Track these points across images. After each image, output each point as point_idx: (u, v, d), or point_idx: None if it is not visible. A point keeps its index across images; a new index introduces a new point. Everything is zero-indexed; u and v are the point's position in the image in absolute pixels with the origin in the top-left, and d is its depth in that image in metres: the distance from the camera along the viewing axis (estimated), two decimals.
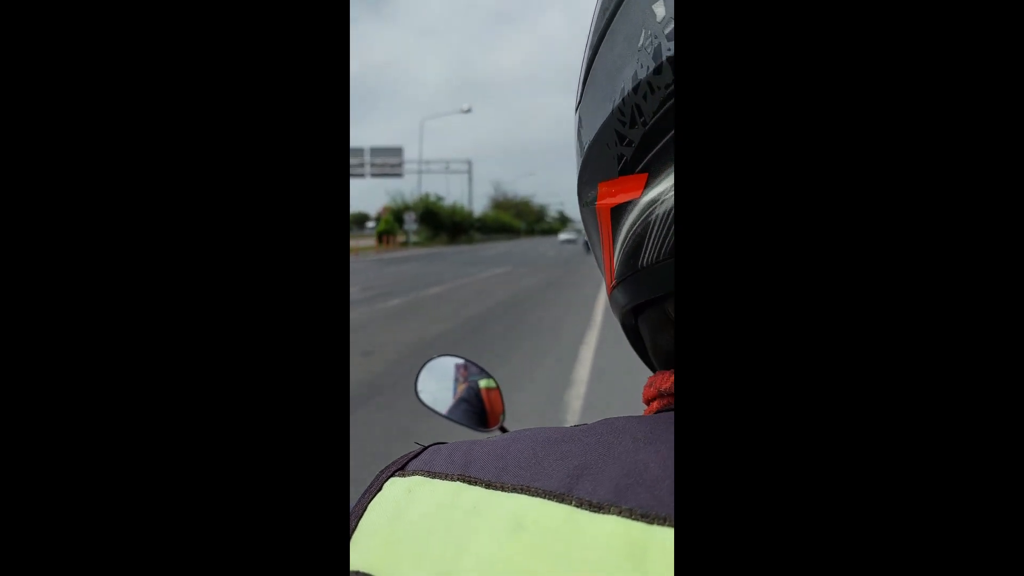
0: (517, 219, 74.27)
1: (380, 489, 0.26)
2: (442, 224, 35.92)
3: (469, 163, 50.90)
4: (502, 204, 79.04)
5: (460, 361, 0.77)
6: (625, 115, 0.25)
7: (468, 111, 41.59)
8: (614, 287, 0.30)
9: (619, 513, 0.20)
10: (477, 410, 0.76)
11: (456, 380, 0.78)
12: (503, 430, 0.75)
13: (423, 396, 0.73)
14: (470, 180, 49.73)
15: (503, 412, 0.74)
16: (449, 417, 0.72)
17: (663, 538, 0.19)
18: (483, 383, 0.79)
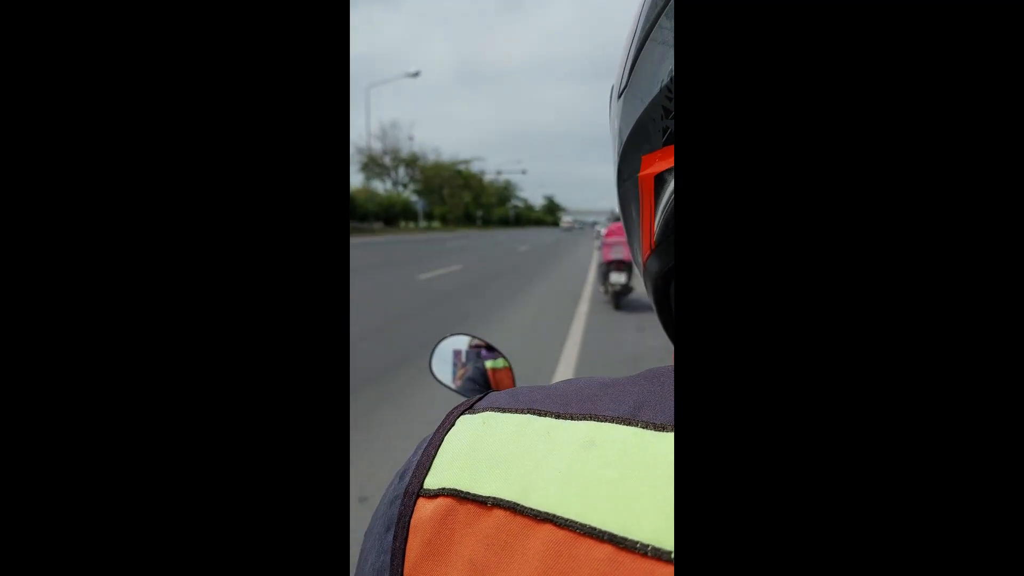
0: (396, 193, 36.39)
1: (453, 424, 0.30)
2: None
3: None
4: (377, 163, 40.15)
5: (472, 340, 0.80)
6: (672, 92, 0.28)
7: (416, 74, 30.87)
8: (650, 254, 0.34)
9: None
10: (483, 390, 0.79)
11: (465, 359, 0.80)
12: None
13: (436, 371, 0.75)
14: None
15: None
16: (460, 392, 0.75)
17: None
18: (490, 364, 0.82)
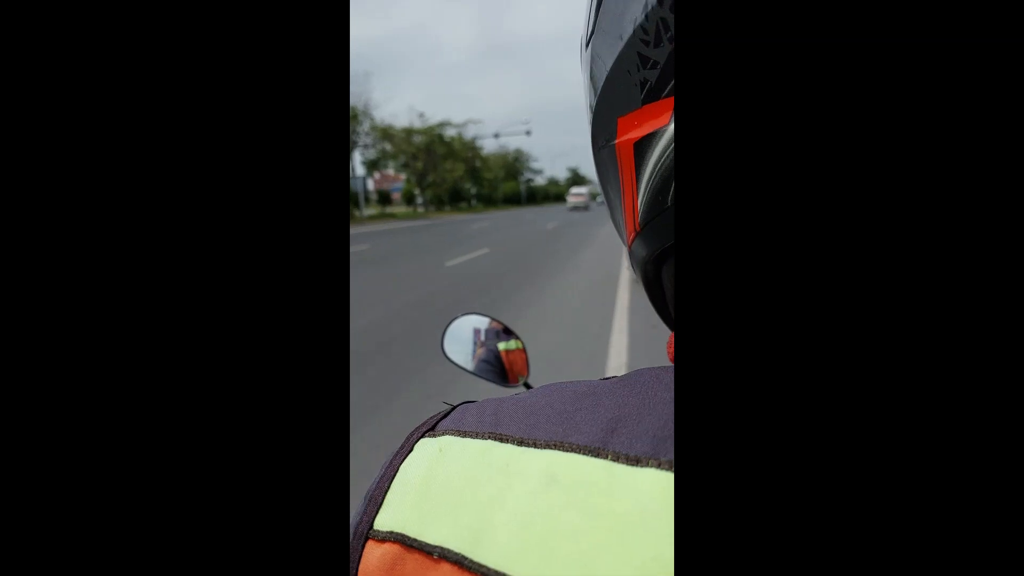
0: None
1: (411, 450, 0.26)
2: None
3: None
4: None
5: (485, 320, 0.79)
6: (649, 33, 0.22)
7: None
8: (635, 237, 0.28)
9: (658, 466, 0.20)
10: (497, 370, 0.78)
11: (479, 339, 0.79)
12: (527, 386, 0.76)
13: (448, 352, 0.75)
14: None
15: (527, 372, 0.76)
16: (475, 373, 0.74)
17: None
18: (503, 345, 0.81)
